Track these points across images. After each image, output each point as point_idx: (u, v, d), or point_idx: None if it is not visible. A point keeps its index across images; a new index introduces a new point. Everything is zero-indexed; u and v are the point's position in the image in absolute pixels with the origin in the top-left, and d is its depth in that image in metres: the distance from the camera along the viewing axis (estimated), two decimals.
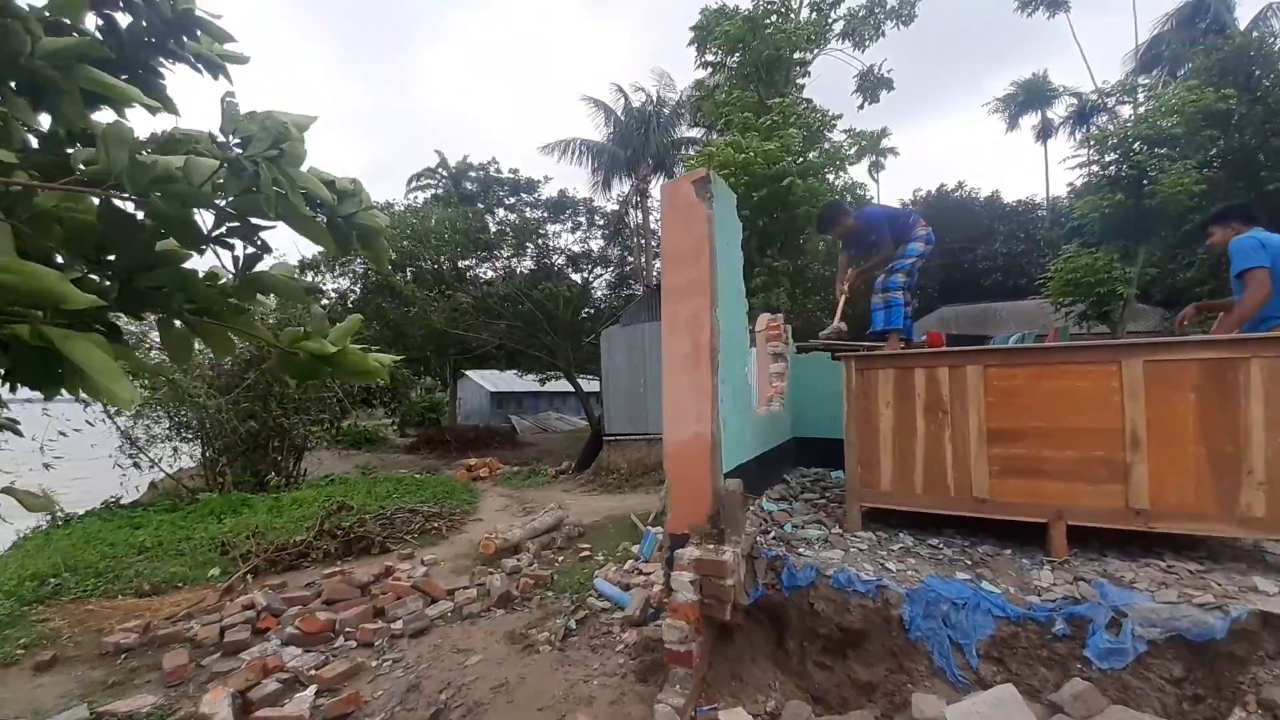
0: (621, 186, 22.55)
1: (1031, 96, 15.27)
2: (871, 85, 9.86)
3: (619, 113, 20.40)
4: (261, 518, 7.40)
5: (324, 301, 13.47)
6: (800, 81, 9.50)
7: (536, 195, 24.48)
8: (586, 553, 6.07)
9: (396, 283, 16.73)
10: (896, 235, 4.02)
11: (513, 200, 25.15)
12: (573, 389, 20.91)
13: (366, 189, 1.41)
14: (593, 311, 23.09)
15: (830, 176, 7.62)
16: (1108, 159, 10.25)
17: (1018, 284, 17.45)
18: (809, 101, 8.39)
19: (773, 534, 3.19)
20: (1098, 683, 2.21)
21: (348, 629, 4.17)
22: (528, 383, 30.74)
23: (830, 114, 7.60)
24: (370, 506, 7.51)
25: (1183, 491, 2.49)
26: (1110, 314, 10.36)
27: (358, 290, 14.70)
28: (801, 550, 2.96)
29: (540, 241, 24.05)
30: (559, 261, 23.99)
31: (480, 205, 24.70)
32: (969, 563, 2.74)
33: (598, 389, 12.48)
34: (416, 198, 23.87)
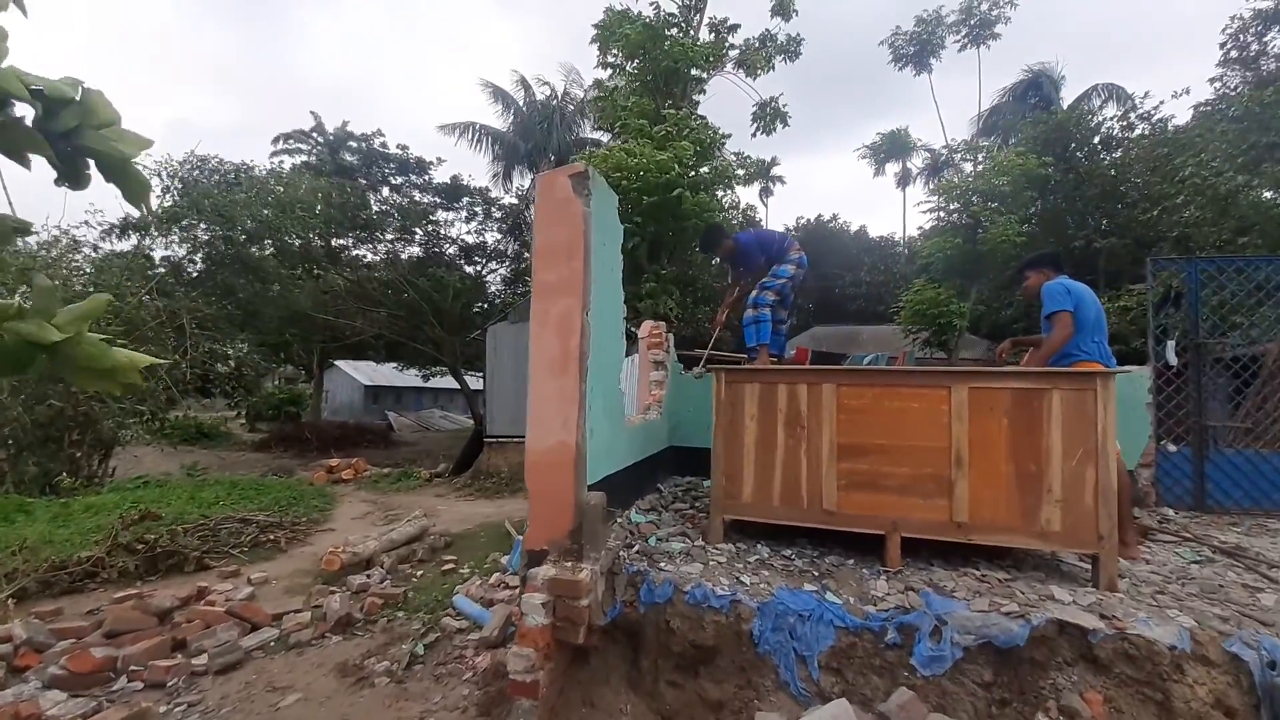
0: (522, 180, 21.85)
1: (894, 147, 17.22)
2: (769, 116, 10.43)
3: (521, 103, 19.74)
4: (40, 528, 6.05)
5: (151, 272, 11.44)
6: (696, 98, 9.78)
7: (428, 178, 22.99)
8: (451, 565, 5.65)
9: (252, 256, 14.74)
10: (770, 258, 4.19)
11: (400, 180, 23.43)
12: (459, 386, 19.84)
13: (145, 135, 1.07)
14: (485, 306, 22.07)
15: (720, 193, 7.87)
16: (951, 207, 11.70)
17: (878, 310, 19.40)
18: (704, 118, 8.65)
19: (636, 548, 3.09)
20: (921, 689, 2.34)
21: (134, 667, 3.45)
22: (410, 377, 28.71)
23: (721, 133, 7.87)
24: (188, 515, 6.42)
25: (995, 506, 2.75)
26: (947, 342, 11.82)
27: (199, 261, 12.71)
28: (663, 565, 2.89)
29: (430, 228, 22.69)
30: (451, 251, 22.72)
31: (362, 180, 22.74)
32: (816, 574, 2.83)
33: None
34: (282, 161, 21.30)
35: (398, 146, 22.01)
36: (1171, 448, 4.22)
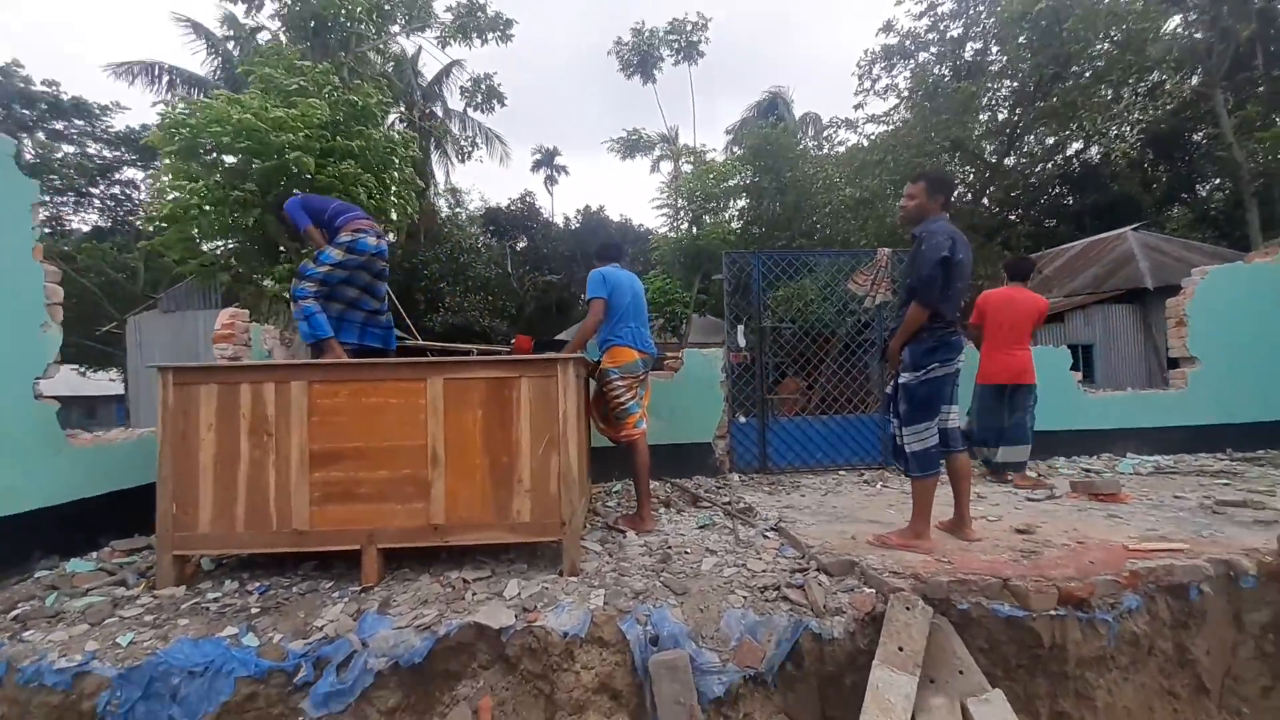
0: None
1: (637, 145, 18.30)
2: (483, 93, 9.93)
3: (231, 47, 16.23)
4: None
5: None
6: (374, 57, 8.79)
7: (105, 126, 17.99)
8: None
9: None
10: (329, 230, 3.53)
11: (61, 125, 18.04)
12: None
13: None
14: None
15: (399, 170, 7.06)
16: (679, 204, 12.62)
17: None
18: (377, 80, 7.68)
19: (16, 612, 2.30)
20: None
21: None
22: (102, 383, 22.56)
23: (381, 99, 6.96)
24: None
25: (471, 503, 2.58)
26: (678, 328, 12.79)
27: None
28: (32, 632, 2.15)
29: (116, 188, 18.22)
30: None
31: None
32: (259, 610, 2.36)
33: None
34: None
35: (44, 83, 16.64)
36: (742, 419, 4.75)
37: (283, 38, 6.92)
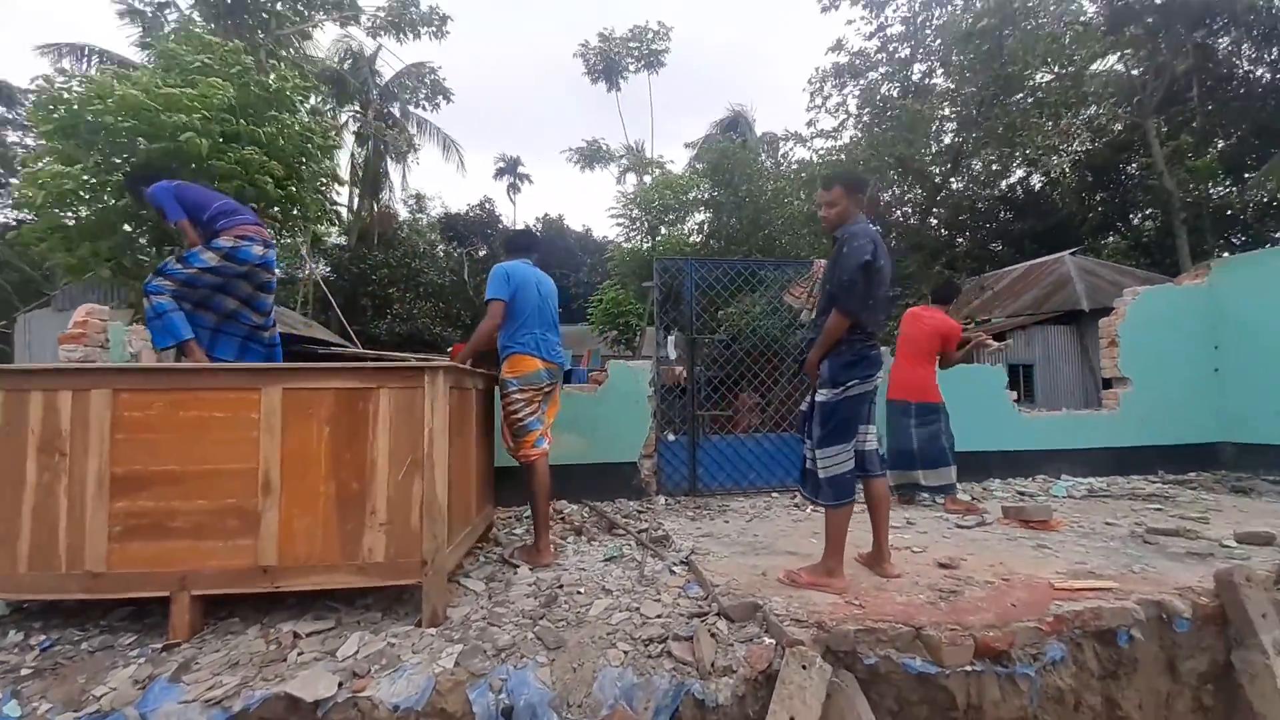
0: None
1: (595, 155, 18.17)
2: (427, 89, 9.57)
3: (166, 25, 15.32)
4: None
5: None
6: (300, 42, 8.33)
7: (15, 111, 16.73)
8: None
9: None
10: (207, 231, 3.05)
11: None
12: None
13: None
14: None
15: (321, 160, 6.56)
16: (634, 214, 12.41)
17: None
18: (298, 65, 7.23)
19: None
20: None
21: None
22: None
23: (299, 82, 6.43)
24: None
25: (312, 540, 2.18)
26: (631, 339, 12.50)
27: None
28: None
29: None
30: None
31: None
32: (32, 671, 1.92)
33: None
34: None
35: None
36: (671, 437, 4.45)
37: (194, 15, 6.39)
